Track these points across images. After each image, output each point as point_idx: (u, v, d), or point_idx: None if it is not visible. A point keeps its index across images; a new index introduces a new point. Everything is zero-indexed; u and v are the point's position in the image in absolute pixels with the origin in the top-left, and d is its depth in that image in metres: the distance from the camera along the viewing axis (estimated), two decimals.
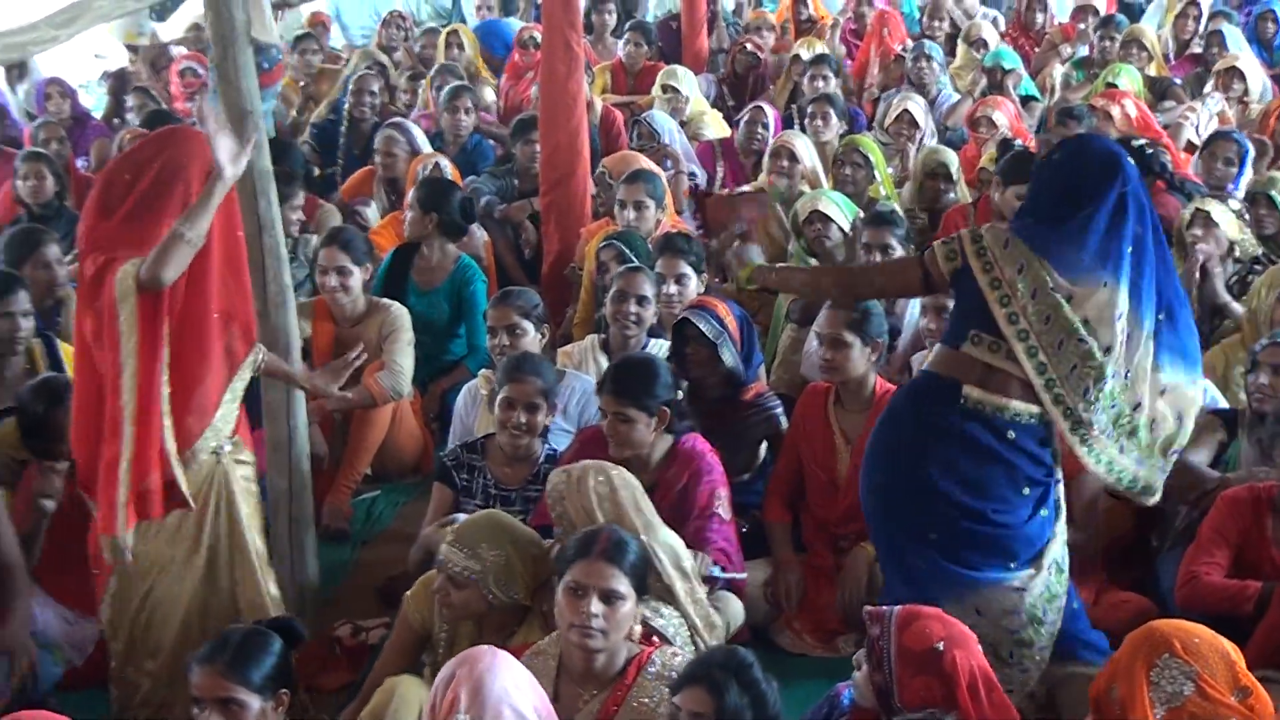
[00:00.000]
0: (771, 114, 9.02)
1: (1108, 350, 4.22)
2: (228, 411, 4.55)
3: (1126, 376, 4.26)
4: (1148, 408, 4.30)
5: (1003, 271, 4.25)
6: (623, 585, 3.77)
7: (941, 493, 4.30)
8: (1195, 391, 4.41)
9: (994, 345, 4.27)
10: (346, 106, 9.40)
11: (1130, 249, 4.27)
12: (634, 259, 6.40)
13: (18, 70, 10.98)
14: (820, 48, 10.50)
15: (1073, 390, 4.23)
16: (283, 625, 3.82)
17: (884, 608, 3.72)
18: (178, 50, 11.62)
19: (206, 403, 4.46)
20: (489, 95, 10.38)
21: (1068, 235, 4.27)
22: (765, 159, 7.91)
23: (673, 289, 6.06)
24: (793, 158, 7.65)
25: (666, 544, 4.30)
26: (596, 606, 3.73)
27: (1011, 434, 4.28)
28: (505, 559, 4.19)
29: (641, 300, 5.86)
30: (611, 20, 11.79)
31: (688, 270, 6.13)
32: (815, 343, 5.59)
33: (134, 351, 4.20)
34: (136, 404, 4.22)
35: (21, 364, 5.78)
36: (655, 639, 3.91)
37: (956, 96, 9.77)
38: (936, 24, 11.30)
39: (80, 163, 9.31)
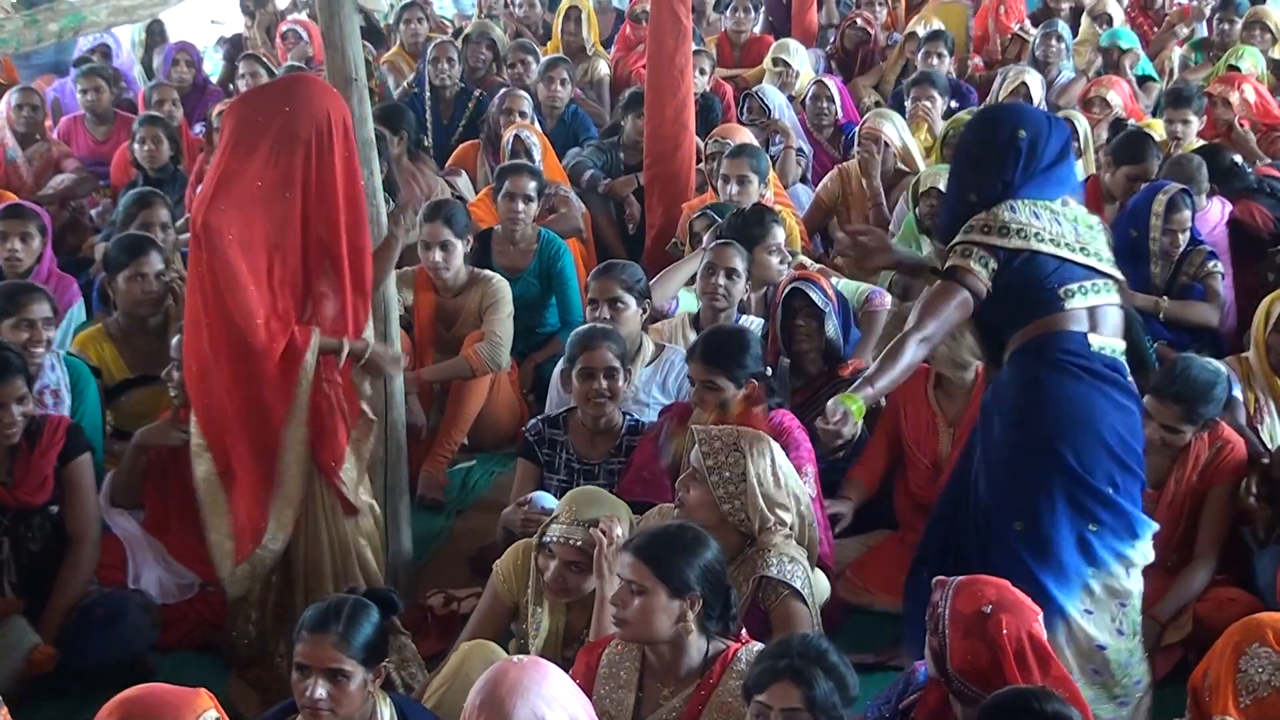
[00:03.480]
0: (835, 87, 8.88)
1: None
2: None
3: None
4: None
5: (1043, 227, 4.20)
6: (644, 579, 3.70)
7: (1106, 440, 4.22)
8: None
9: (1093, 286, 4.24)
10: (427, 76, 9.34)
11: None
12: None
13: (159, 35, 11.18)
14: (936, 24, 10.37)
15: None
16: (380, 596, 3.84)
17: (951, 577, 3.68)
18: (293, 16, 11.74)
19: None
20: (602, 69, 10.34)
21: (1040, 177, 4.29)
22: (855, 143, 7.82)
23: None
24: (877, 141, 7.55)
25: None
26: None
27: (1129, 375, 4.31)
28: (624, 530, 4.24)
29: (731, 273, 5.78)
30: None
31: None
32: None
33: None
34: None
35: (159, 321, 5.88)
36: (744, 635, 3.85)
37: (1072, 75, 9.60)
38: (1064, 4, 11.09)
39: (197, 128, 9.42)
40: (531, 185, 6.85)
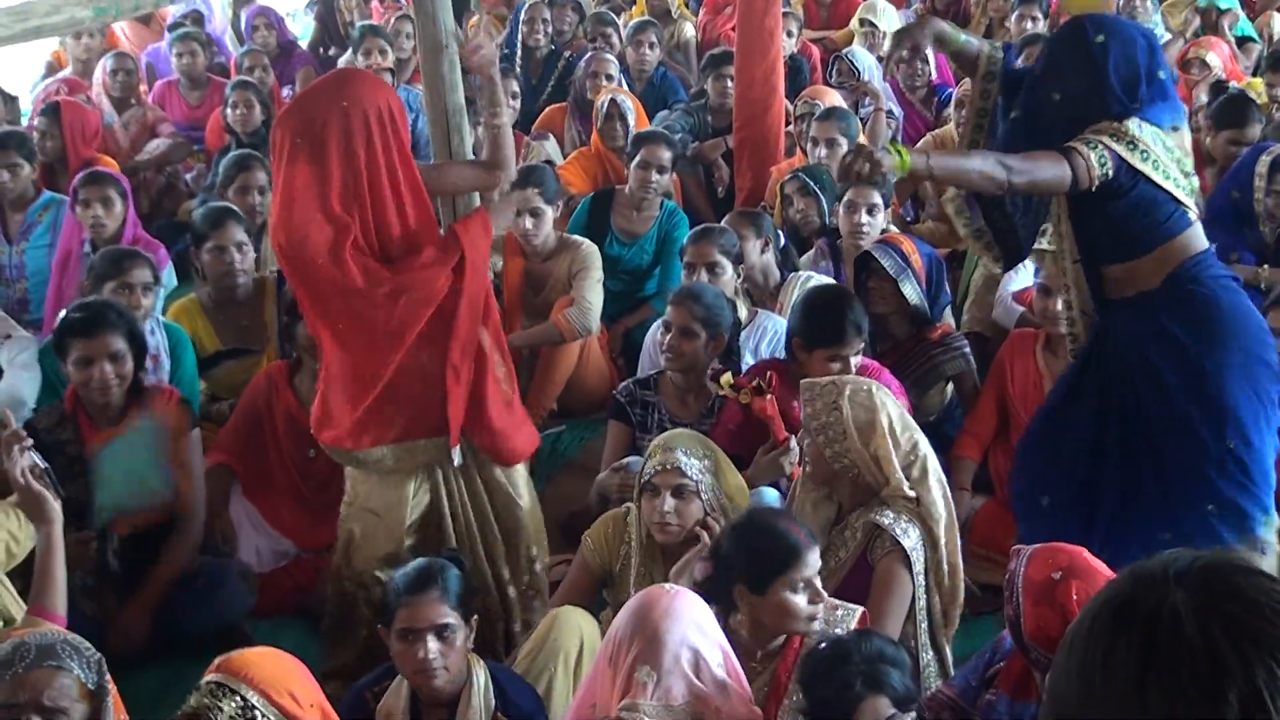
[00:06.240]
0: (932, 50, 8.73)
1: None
2: None
3: None
4: None
5: (1159, 156, 4.21)
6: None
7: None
8: None
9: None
10: (520, 37, 9.36)
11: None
12: (819, 193, 6.32)
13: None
14: None
15: None
16: (449, 557, 3.89)
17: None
18: None
19: None
20: (688, 31, 10.29)
21: (1160, 101, 4.27)
22: (951, 109, 7.71)
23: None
24: None
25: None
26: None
27: None
28: (716, 468, 4.25)
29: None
30: None
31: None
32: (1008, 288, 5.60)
33: None
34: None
35: (248, 292, 5.91)
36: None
37: (1168, 36, 9.41)
38: None
39: (285, 91, 9.50)
40: (666, 155, 6.83)
